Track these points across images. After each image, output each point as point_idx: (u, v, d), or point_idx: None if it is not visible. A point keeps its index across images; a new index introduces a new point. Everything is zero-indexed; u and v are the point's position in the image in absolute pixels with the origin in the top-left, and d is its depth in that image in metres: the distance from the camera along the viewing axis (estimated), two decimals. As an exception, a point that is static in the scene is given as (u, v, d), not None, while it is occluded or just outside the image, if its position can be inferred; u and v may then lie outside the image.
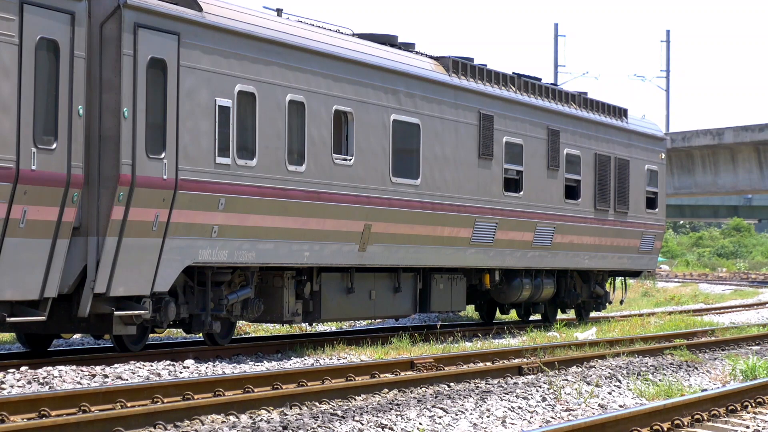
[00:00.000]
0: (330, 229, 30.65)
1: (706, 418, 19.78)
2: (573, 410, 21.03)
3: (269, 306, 30.18)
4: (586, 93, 44.91)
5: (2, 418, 17.54)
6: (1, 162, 22.56)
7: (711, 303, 64.86)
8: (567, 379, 24.91)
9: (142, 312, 25.90)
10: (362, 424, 18.51)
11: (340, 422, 18.65)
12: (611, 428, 17.47)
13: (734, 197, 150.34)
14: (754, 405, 21.66)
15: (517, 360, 27.37)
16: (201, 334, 29.34)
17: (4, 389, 20.88)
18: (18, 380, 21.79)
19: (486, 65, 37.90)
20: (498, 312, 43.01)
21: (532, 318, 43.67)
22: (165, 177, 25.79)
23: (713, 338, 35.89)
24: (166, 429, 17.62)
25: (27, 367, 23.34)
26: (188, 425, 18.08)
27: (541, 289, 41.42)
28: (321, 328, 35.46)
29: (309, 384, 22.58)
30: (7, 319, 23.66)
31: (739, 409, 21.07)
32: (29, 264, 23.40)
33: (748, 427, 19.39)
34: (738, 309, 59.46)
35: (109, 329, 25.85)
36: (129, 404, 19.33)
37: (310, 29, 31.64)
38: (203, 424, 18.21)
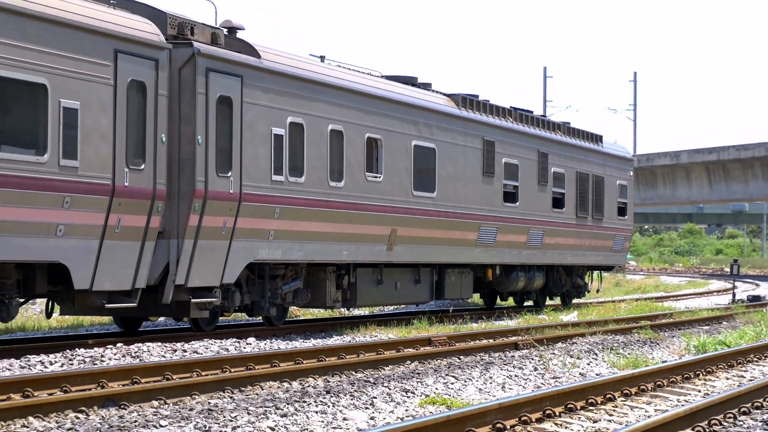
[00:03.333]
0: (363, 233, 30.73)
1: (665, 384, 20.07)
2: (559, 378, 21.24)
3: (315, 294, 30.32)
4: (569, 123, 44.92)
5: (102, 384, 17.94)
6: (100, 179, 22.81)
7: (669, 291, 64.68)
8: (554, 353, 25.04)
9: (213, 299, 26.06)
10: (390, 389, 18.65)
11: (372, 387, 18.85)
12: (590, 392, 17.66)
13: (689, 207, 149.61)
14: (704, 374, 21.91)
15: (513, 338, 27.41)
16: (260, 317, 29.40)
17: (104, 361, 21.06)
18: (115, 354, 21.93)
19: (489, 100, 37.94)
20: (498, 299, 42.94)
21: (525, 304, 43.60)
22: (231, 191, 25.91)
23: (671, 320, 35.89)
24: (233, 393, 17.91)
25: (122, 344, 23.46)
26: (250, 390, 18.30)
27: (533, 281, 41.43)
28: (356, 312, 35.38)
29: (347, 357, 22.68)
30: (106, 305, 23.85)
31: (692, 377, 21.32)
32: (123, 261, 23.59)
33: (699, 391, 19.76)
34: (691, 296, 59.34)
35: (187, 313, 25.99)
36: (203, 373, 19.56)
37: (347, 72, 31.73)
38: (263, 389, 18.45)
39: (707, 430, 14.97)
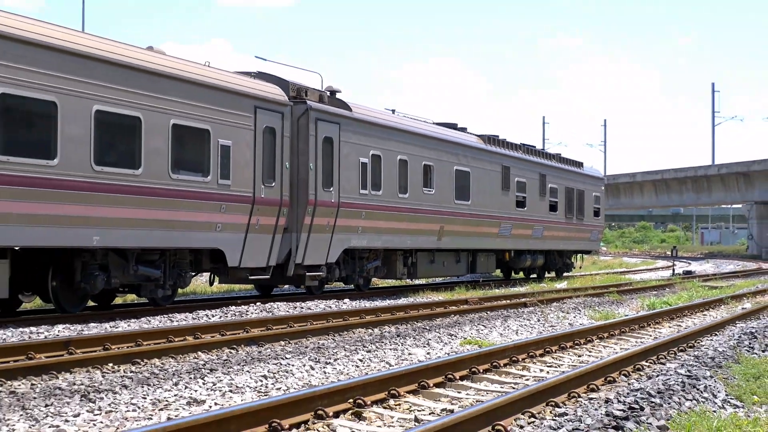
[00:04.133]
0: (421, 228, 30.67)
1: (628, 330, 20.05)
2: (554, 326, 21.18)
3: (389, 270, 30.30)
4: (560, 153, 44.67)
5: (246, 329, 17.87)
6: (245, 193, 22.91)
7: (629, 268, 64.07)
8: (551, 309, 24.89)
9: (321, 273, 26.09)
10: (440, 334, 18.67)
11: (427, 332, 18.85)
12: (576, 336, 17.70)
13: (641, 210, 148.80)
14: (654, 324, 21.88)
15: (523, 299, 27.27)
16: (352, 285, 29.37)
17: (247, 314, 21.06)
18: (255, 310, 21.96)
19: (505, 138, 37.78)
20: (512, 273, 42.68)
21: (531, 276, 43.27)
22: (332, 200, 25.92)
23: (631, 287, 35.58)
24: (334, 336, 17.93)
25: (259, 303, 23.49)
26: (345, 334, 18.35)
27: (536, 260, 41.26)
28: (417, 282, 35.28)
29: (410, 312, 22.59)
30: (249, 276, 24.01)
31: (646, 326, 21.36)
32: (261, 247, 23.65)
33: (650, 335, 19.69)
34: (644, 271, 58.83)
35: (303, 282, 26.00)
36: (314, 323, 19.51)
37: (411, 119, 31.70)
38: (354, 334, 18.43)
39: (657, 362, 14.90)
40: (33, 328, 17.04)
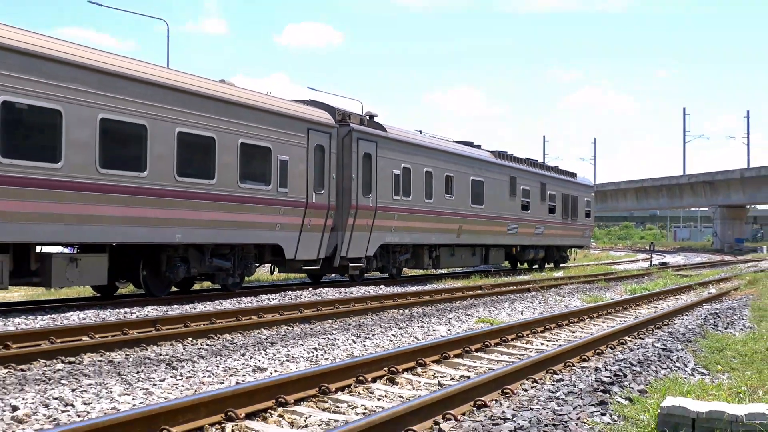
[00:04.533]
0: (443, 228, 30.58)
1: (613, 311, 19.86)
2: (553, 307, 21.00)
3: (417, 261, 30.24)
4: (558, 165, 44.37)
5: (300, 310, 17.88)
6: (299, 198, 22.91)
7: (614, 260, 63.64)
8: (550, 294, 24.79)
9: (361, 264, 26.08)
10: (458, 314, 18.57)
11: (449, 313, 18.75)
12: (571, 316, 17.61)
13: (625, 213, 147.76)
14: (635, 306, 21.67)
15: (527, 285, 27.13)
16: (387, 274, 29.33)
17: (301, 298, 21.02)
18: (307, 294, 21.97)
19: (513, 154, 37.61)
20: (518, 264, 42.47)
21: (534, 267, 43.07)
22: (371, 205, 25.89)
23: (615, 276, 35.33)
24: (371, 316, 17.82)
25: (311, 288, 23.53)
26: (382, 314, 18.29)
27: (538, 254, 41.02)
28: (440, 271, 35.19)
29: (434, 296, 22.51)
30: (303, 267, 24.06)
31: (628, 308, 21.11)
32: (312, 243, 23.66)
33: (632, 315, 19.38)
34: (627, 263, 58.35)
35: (347, 272, 26.00)
36: (355, 305, 19.43)
37: (435, 138, 31.61)
38: (388, 314, 18.39)
39: (637, 337, 14.82)
40: (127, 309, 17.19)
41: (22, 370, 10.59)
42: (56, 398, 8.72)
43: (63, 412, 8.23)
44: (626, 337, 14.52)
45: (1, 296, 23.40)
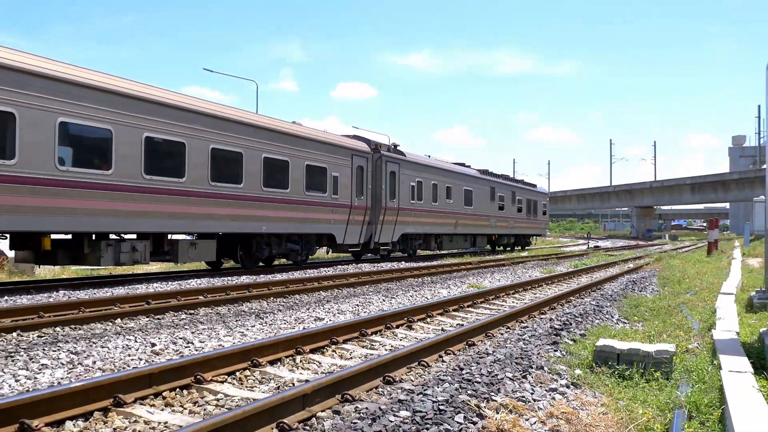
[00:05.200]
0: (445, 222, 30.36)
1: (562, 279, 19.58)
2: (520, 277, 20.75)
3: (427, 245, 30.05)
4: (523, 179, 44.16)
5: (347, 278, 17.76)
6: (346, 202, 22.79)
7: (563, 245, 63.11)
8: (518, 267, 24.56)
9: (389, 247, 25.97)
10: (455, 281, 18.46)
11: (449, 280, 18.62)
12: (533, 283, 17.44)
13: (569, 212, 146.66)
14: (577, 276, 21.40)
15: (503, 262, 26.95)
16: (406, 254, 29.21)
17: (347, 270, 20.96)
18: (352, 267, 21.87)
19: (493, 171, 37.41)
20: (496, 247, 42.10)
21: (507, 249, 42.72)
22: (395, 206, 25.79)
23: (564, 255, 35.03)
24: (396, 282, 17.67)
25: (353, 264, 23.45)
26: (403, 281, 18.18)
27: (510, 240, 40.63)
28: (442, 252, 35.02)
29: (439, 269, 22.41)
30: (349, 249, 23.92)
31: (572, 276, 20.80)
32: (355, 232, 23.57)
33: (575, 282, 19.19)
34: (571, 246, 57.84)
35: (379, 252, 25.91)
36: (384, 275, 19.29)
37: (439, 160, 31.40)
38: (407, 281, 18.29)
39: (578, 297, 14.67)
40: (229, 277, 17.22)
41: (158, 319, 10.66)
42: (181, 338, 8.77)
43: (185, 347, 8.28)
44: (571, 297, 14.39)
45: (144, 269, 23.56)
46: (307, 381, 6.48)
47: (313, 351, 8.06)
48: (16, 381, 6.42)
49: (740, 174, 77.83)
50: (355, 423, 5.16)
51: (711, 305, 12.33)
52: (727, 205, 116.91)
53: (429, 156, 31.67)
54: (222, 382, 6.52)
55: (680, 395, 6.09)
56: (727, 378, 5.89)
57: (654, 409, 6.01)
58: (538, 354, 8.09)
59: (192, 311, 11.49)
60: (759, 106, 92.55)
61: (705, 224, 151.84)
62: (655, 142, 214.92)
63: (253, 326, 9.90)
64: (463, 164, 35.08)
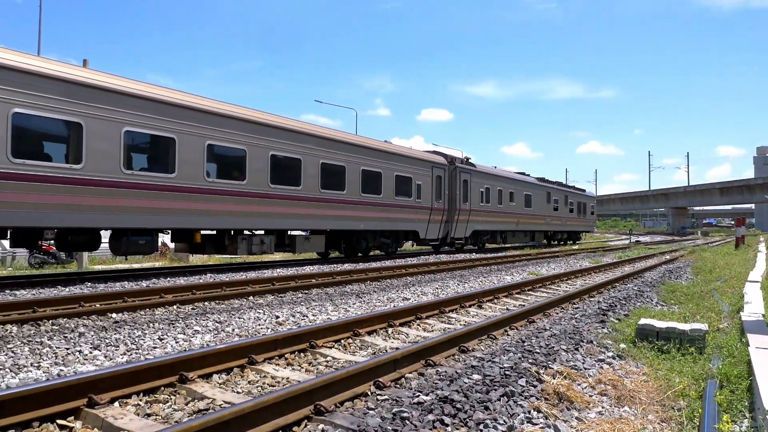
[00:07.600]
0: (509, 221, 29.60)
1: (608, 269, 18.80)
2: (572, 266, 19.88)
3: (493, 240, 29.44)
4: (574, 185, 42.80)
5: (428, 266, 17.37)
6: (426, 205, 22.64)
7: (609, 240, 60.76)
8: (570, 259, 23.76)
9: (462, 241, 25.68)
10: (517, 269, 17.67)
11: (512, 268, 17.74)
12: (584, 271, 16.85)
13: (614, 212, 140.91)
14: (621, 265, 20.55)
15: (557, 253, 26.16)
16: (476, 247, 28.82)
17: (428, 259, 20.69)
18: (432, 258, 21.63)
19: (549, 179, 36.41)
20: (551, 242, 40.57)
21: (561, 243, 41.39)
22: (468, 208, 25.51)
23: (610, 248, 33.72)
24: (469, 270, 17.24)
25: (434, 255, 23.28)
26: (473, 269, 17.74)
27: (563, 236, 39.42)
28: (506, 245, 34.28)
29: (503, 260, 21.80)
30: (430, 242, 23.64)
31: (617, 267, 19.97)
32: (434, 229, 23.41)
33: (620, 270, 18.37)
34: (615, 241, 55.59)
35: (454, 246, 25.63)
36: (458, 264, 18.95)
37: (503, 170, 30.81)
38: (477, 269, 17.70)
39: (623, 283, 14.06)
40: (334, 265, 17.36)
41: (281, 297, 10.92)
42: (298, 312, 8.95)
43: (302, 319, 8.45)
44: (616, 284, 13.83)
45: (270, 258, 24.22)
46: (397, 348, 6.51)
47: (401, 324, 8.06)
48: (176, 342, 6.76)
49: (764, 179, 73.89)
50: (436, 383, 5.16)
51: (739, 291, 11.63)
52: (752, 205, 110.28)
53: (495, 167, 31.14)
54: (330, 347, 6.62)
55: (712, 367, 5.84)
56: (754, 353, 5.60)
57: (689, 378, 5.76)
58: (588, 330, 7.83)
59: (306, 291, 11.68)
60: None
61: (733, 222, 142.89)
62: (688, 152, 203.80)
63: (354, 304, 10.00)
64: (523, 173, 34.26)
